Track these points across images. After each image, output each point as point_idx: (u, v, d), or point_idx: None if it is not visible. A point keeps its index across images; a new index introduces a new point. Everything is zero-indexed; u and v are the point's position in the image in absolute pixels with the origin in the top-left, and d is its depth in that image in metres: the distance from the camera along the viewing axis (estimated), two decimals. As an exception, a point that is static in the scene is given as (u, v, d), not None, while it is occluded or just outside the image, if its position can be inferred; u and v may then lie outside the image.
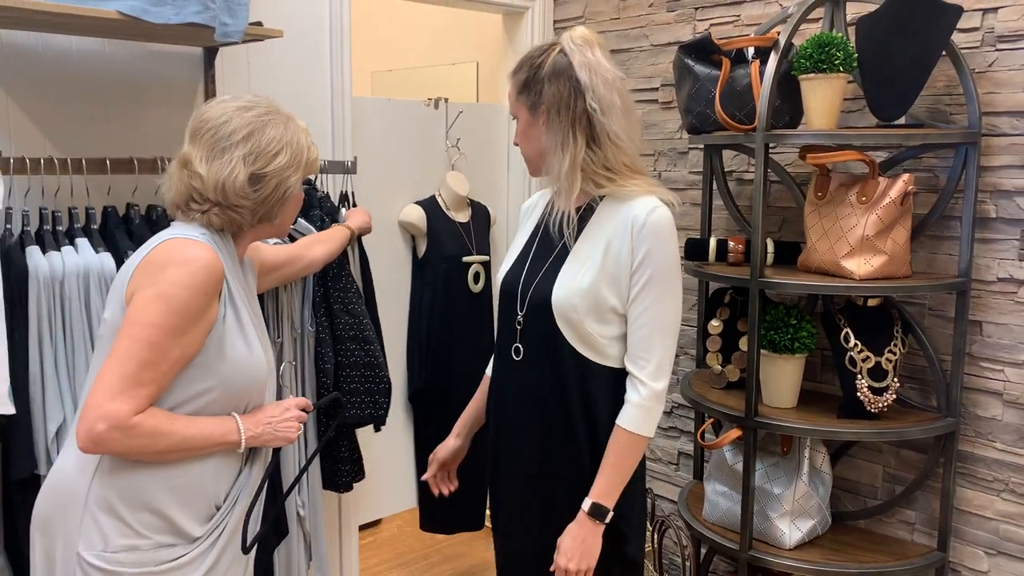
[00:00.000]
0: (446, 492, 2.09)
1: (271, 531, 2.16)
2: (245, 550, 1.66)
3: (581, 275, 1.70)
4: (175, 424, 1.50)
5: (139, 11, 1.91)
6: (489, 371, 2.01)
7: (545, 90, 1.70)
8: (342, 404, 2.36)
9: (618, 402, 1.73)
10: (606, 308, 1.70)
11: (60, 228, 1.96)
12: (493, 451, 1.91)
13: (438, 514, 3.16)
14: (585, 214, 1.75)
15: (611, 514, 1.71)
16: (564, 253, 1.75)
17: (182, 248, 1.50)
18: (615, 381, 1.73)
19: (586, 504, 1.70)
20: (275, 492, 2.14)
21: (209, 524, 1.60)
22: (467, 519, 3.19)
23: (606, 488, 1.70)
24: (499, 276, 1.88)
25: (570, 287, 1.70)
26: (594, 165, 1.71)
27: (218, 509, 1.62)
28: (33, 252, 1.83)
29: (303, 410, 1.71)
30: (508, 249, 1.94)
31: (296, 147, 1.62)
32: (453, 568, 3.49)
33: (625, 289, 1.69)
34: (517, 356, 1.79)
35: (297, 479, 1.93)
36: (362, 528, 3.34)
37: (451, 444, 2.06)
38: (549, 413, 1.76)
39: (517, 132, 1.80)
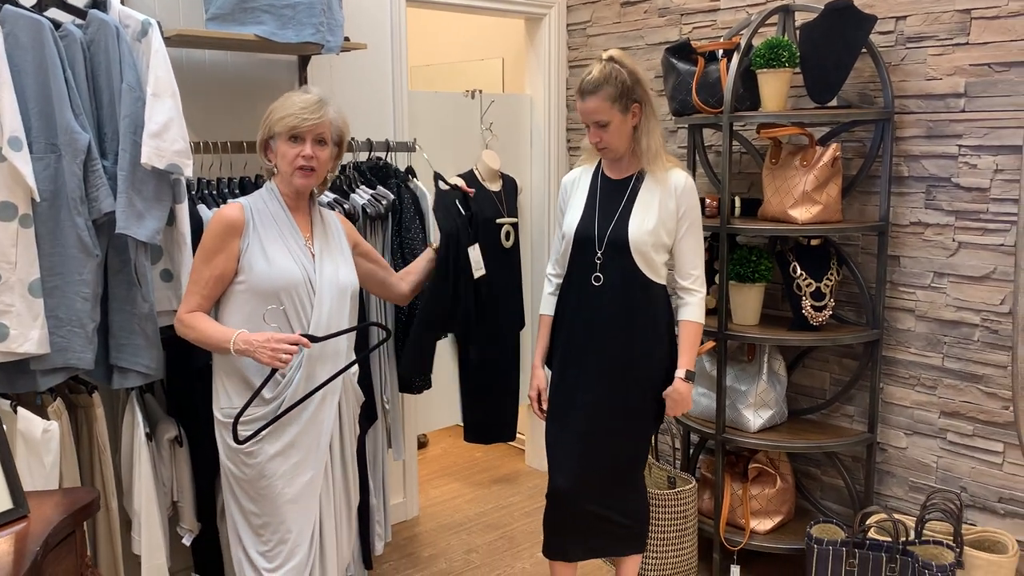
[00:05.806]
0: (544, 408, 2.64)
1: (364, 416, 2.88)
2: (238, 442, 2.16)
3: (647, 220, 2.44)
4: (199, 323, 2.14)
5: (269, 34, 2.65)
6: (547, 310, 2.66)
7: (636, 93, 2.40)
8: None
9: (663, 305, 2.52)
10: (661, 243, 2.46)
11: (214, 192, 2.70)
12: (579, 354, 2.52)
13: (478, 428, 3.89)
14: (638, 179, 2.49)
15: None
16: (629, 206, 2.47)
17: (218, 210, 2.21)
18: (663, 291, 2.53)
19: (682, 373, 2.50)
20: (367, 388, 2.86)
21: (277, 389, 2.17)
22: (502, 432, 3.92)
23: (689, 360, 2.52)
24: (569, 229, 2.53)
25: (641, 228, 2.44)
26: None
27: (283, 377, 2.17)
28: (203, 208, 2.57)
29: (295, 344, 2.08)
30: (567, 210, 2.59)
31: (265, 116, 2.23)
32: (490, 476, 4.24)
33: (673, 230, 2.47)
34: (597, 283, 2.47)
35: (336, 375, 2.24)
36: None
37: (542, 373, 2.66)
38: (628, 317, 2.47)
39: (604, 133, 2.40)
